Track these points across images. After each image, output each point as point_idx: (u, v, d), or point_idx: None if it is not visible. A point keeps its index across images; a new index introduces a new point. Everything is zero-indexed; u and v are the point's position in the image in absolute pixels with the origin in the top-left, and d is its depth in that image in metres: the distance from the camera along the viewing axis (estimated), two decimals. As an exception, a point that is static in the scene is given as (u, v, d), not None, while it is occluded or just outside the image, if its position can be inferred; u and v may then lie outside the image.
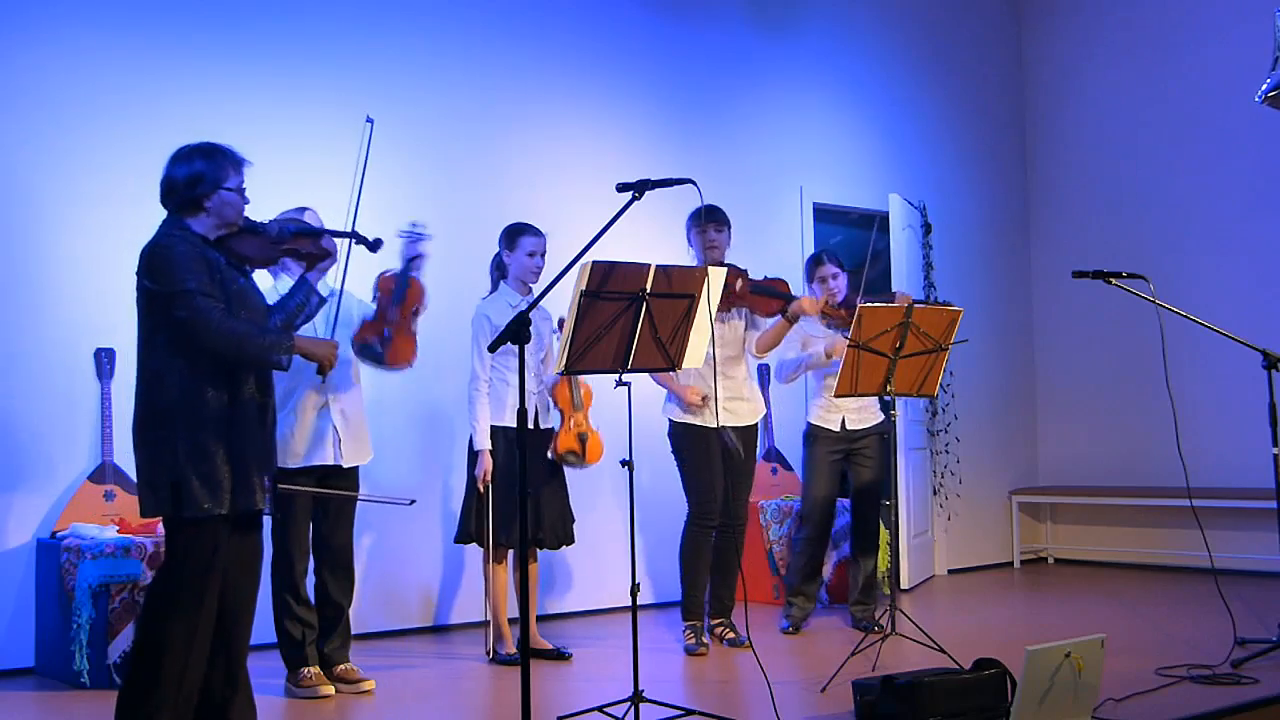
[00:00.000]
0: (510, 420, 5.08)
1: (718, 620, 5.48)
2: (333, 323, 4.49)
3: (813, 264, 5.81)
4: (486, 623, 5.27)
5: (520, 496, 3.45)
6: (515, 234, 5.21)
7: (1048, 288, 8.70)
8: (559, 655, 5.18)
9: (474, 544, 5.18)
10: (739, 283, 5.27)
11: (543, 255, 5.19)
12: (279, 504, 4.51)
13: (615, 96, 6.90)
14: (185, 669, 3.43)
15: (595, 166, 6.49)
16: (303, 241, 3.92)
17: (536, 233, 5.21)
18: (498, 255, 5.28)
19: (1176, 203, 8.04)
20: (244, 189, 3.62)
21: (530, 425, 5.09)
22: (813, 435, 5.87)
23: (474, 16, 6.44)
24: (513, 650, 5.15)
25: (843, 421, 5.78)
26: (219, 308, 3.46)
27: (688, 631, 5.33)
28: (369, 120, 4.22)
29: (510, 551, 5.19)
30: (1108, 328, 8.22)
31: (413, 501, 4.85)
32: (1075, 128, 8.66)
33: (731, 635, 5.40)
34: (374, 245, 4.31)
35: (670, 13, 7.17)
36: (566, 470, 5.27)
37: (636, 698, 3.83)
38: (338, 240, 4.16)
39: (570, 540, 5.29)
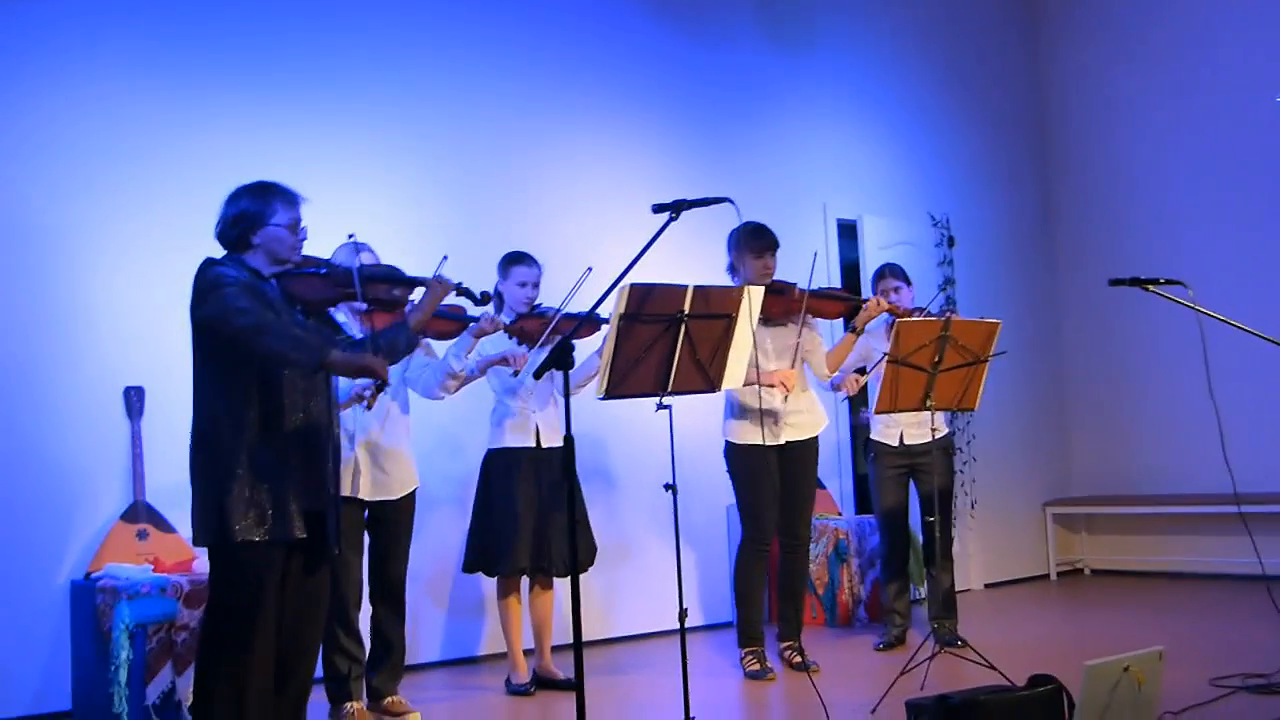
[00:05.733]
0: (510, 441, 5.02)
1: (786, 644, 5.29)
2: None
3: (876, 278, 5.78)
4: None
5: (570, 521, 3.40)
6: (509, 263, 5.10)
7: (1074, 297, 8.65)
8: (569, 686, 4.96)
9: (481, 573, 5.11)
10: (795, 291, 5.15)
11: (535, 286, 5.04)
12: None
13: (641, 120, 6.90)
14: (242, 714, 3.34)
15: (625, 189, 6.47)
16: (379, 287, 3.75)
17: (530, 262, 5.09)
18: (496, 284, 5.15)
19: (1199, 208, 7.98)
20: (297, 224, 3.53)
21: (533, 444, 5.04)
22: (874, 451, 5.82)
23: (499, 48, 6.44)
24: (524, 680, 5.09)
25: (901, 436, 5.73)
26: (260, 311, 3.32)
27: (749, 657, 5.17)
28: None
29: (525, 579, 5.13)
30: (1135, 336, 8.16)
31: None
32: (1096, 136, 8.62)
33: (799, 659, 5.19)
34: (481, 299, 4.08)
35: (693, 36, 7.18)
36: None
37: (688, 723, 3.77)
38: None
39: (582, 568, 5.09)
